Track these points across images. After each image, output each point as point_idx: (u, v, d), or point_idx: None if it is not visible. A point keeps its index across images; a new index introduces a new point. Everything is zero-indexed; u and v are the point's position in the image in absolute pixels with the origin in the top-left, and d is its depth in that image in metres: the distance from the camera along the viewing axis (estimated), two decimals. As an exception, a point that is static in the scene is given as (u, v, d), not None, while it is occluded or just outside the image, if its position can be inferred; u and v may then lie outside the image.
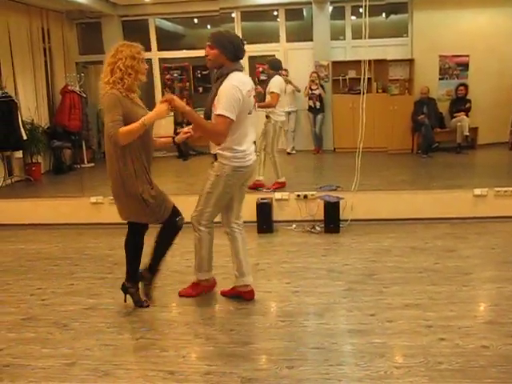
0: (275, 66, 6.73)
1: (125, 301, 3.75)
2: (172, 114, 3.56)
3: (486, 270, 4.25)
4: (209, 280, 3.94)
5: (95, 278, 4.40)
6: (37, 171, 8.53)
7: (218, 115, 3.39)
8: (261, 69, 10.11)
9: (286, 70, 9.55)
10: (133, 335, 3.37)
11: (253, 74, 10.21)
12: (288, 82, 9.47)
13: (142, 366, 2.98)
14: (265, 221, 5.55)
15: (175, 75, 10.84)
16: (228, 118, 3.38)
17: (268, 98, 6.53)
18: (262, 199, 5.63)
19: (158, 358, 3.05)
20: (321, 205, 5.58)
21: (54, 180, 8.76)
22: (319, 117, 9.85)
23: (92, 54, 10.18)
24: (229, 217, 3.76)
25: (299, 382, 2.77)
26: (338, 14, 10.26)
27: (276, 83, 6.50)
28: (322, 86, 9.86)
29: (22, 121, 8.07)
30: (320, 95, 9.78)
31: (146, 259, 3.72)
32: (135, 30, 10.76)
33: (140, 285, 3.74)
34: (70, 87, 9.32)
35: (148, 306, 3.74)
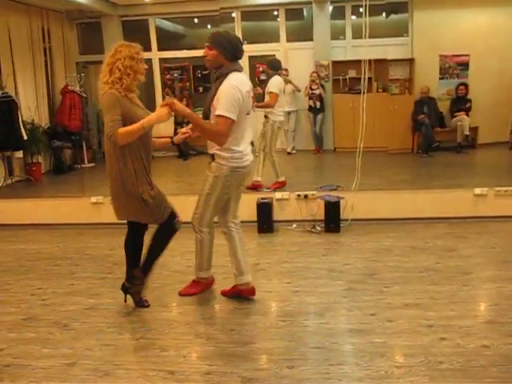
0: (274, 66, 6.72)
1: (125, 301, 3.76)
2: (173, 116, 3.55)
3: (487, 269, 4.25)
4: (208, 278, 3.98)
5: (95, 278, 4.40)
6: (37, 171, 8.53)
7: (219, 116, 3.39)
8: (261, 68, 10.11)
9: (286, 69, 9.56)
10: (133, 335, 3.37)
11: (253, 73, 10.22)
12: (288, 81, 9.49)
13: (143, 366, 2.98)
14: (265, 220, 5.55)
15: (175, 75, 10.85)
16: (229, 118, 3.39)
17: (267, 98, 6.53)
18: (262, 199, 5.63)
19: (159, 358, 3.05)
20: (321, 204, 5.58)
21: (54, 180, 8.76)
22: (319, 116, 9.85)
23: (92, 53, 10.18)
24: (226, 217, 3.77)
25: (300, 381, 2.77)
26: (339, 13, 10.26)
27: (275, 83, 6.50)
28: (322, 86, 9.86)
29: (22, 121, 8.07)
30: (320, 95, 9.78)
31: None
32: (135, 30, 10.77)
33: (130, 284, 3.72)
34: (70, 87, 9.32)
35: (148, 306, 3.74)
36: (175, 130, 8.38)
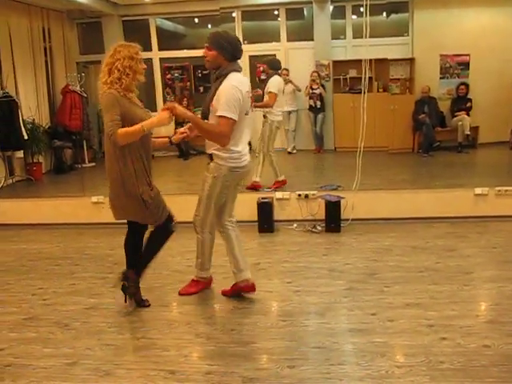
0: (274, 66, 6.72)
1: (125, 301, 3.75)
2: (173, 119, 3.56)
3: (487, 269, 4.25)
4: (207, 278, 4.00)
5: (96, 278, 4.40)
6: (38, 171, 8.53)
7: (221, 117, 3.40)
8: (261, 68, 10.10)
9: (286, 69, 9.56)
10: (134, 335, 3.37)
11: (253, 73, 10.22)
12: (289, 81, 9.50)
13: (143, 366, 2.98)
14: (266, 220, 5.54)
15: (176, 75, 10.85)
16: (230, 118, 3.40)
17: (266, 98, 6.53)
18: (262, 199, 5.63)
19: (159, 358, 3.05)
20: (322, 204, 5.58)
21: (54, 180, 8.76)
22: (320, 116, 9.85)
23: (92, 53, 10.17)
24: (222, 216, 3.78)
25: (300, 381, 2.77)
26: (339, 13, 10.26)
27: (274, 83, 6.50)
28: (322, 86, 9.86)
29: (22, 120, 8.08)
30: (321, 94, 9.78)
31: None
32: (136, 30, 10.77)
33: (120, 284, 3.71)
34: (70, 87, 9.33)
35: (149, 306, 3.74)
36: (175, 130, 8.38)
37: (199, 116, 3.69)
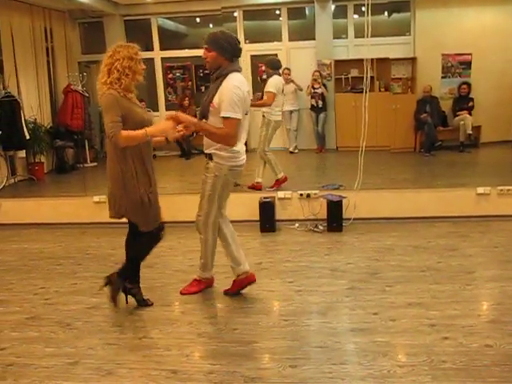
0: (274, 66, 6.71)
1: (126, 302, 3.75)
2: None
3: (489, 268, 4.24)
4: (209, 278, 4.01)
5: (98, 278, 4.38)
6: (40, 171, 8.54)
7: (226, 118, 3.41)
8: (263, 67, 10.10)
9: (288, 68, 9.55)
10: (136, 334, 3.37)
11: (255, 72, 10.22)
12: (290, 80, 9.49)
13: (145, 365, 2.98)
14: (267, 220, 5.54)
15: (177, 74, 10.85)
16: (235, 118, 3.42)
17: (264, 97, 6.53)
18: (264, 198, 5.62)
19: (161, 357, 3.05)
20: (324, 204, 5.58)
21: (56, 179, 8.77)
22: (322, 116, 9.83)
23: (94, 53, 10.14)
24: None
25: (302, 380, 2.77)
26: (341, 12, 10.24)
27: (273, 82, 6.49)
28: (324, 85, 9.84)
29: (24, 120, 8.08)
30: (322, 94, 9.77)
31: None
32: (137, 30, 10.77)
33: (108, 288, 3.69)
34: (72, 86, 9.32)
35: (152, 305, 3.75)
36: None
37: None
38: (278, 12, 10.48)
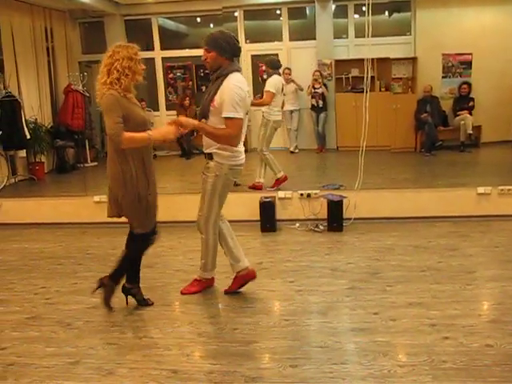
0: (274, 65, 6.72)
1: (126, 303, 3.75)
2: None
3: (490, 268, 4.24)
4: (209, 278, 4.01)
5: (99, 277, 4.38)
6: (40, 170, 8.55)
7: (228, 118, 3.42)
8: (264, 67, 10.11)
9: (288, 68, 9.56)
10: (136, 334, 3.37)
11: (256, 72, 10.23)
12: (291, 80, 9.50)
13: (146, 365, 2.98)
14: (268, 219, 5.54)
15: (178, 74, 10.86)
16: (237, 118, 3.42)
17: (264, 96, 6.53)
18: (265, 198, 5.62)
19: (162, 357, 3.05)
20: (324, 203, 5.58)
21: (57, 179, 8.77)
22: (322, 115, 9.83)
23: (95, 53, 10.13)
24: None
25: (303, 380, 2.77)
26: (341, 12, 10.24)
27: (272, 82, 6.49)
28: (324, 85, 9.84)
29: (25, 120, 8.09)
30: (323, 94, 9.77)
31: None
32: (138, 29, 10.78)
33: (102, 290, 3.68)
34: (73, 86, 9.32)
35: (152, 304, 3.75)
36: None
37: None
38: (278, 12, 10.49)
